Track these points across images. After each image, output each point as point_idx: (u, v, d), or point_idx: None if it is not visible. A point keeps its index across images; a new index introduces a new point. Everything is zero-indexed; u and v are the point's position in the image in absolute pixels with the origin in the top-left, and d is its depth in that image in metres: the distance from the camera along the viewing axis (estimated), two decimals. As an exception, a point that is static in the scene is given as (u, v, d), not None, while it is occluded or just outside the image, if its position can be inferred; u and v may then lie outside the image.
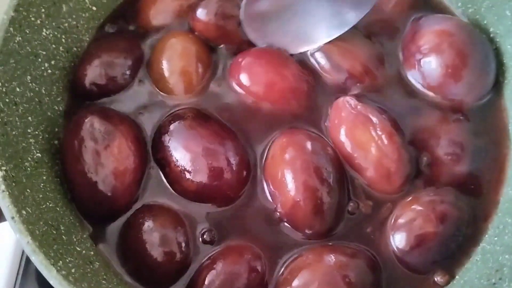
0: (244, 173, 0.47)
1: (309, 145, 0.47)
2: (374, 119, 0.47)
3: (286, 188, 0.45)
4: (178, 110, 0.50)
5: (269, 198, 0.47)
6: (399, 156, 0.46)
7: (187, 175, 0.46)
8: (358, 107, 0.47)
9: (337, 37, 0.51)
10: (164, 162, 0.47)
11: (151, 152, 0.49)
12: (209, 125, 0.48)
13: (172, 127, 0.47)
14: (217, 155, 0.46)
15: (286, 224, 0.46)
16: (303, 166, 0.45)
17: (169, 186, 0.48)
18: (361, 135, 0.47)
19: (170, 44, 0.52)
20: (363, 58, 0.51)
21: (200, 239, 0.46)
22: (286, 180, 0.45)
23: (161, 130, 0.48)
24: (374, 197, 0.47)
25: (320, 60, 0.52)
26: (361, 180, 0.47)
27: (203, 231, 0.46)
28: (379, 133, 0.46)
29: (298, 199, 0.44)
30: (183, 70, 0.51)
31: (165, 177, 0.48)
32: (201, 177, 0.46)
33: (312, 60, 0.52)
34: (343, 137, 0.48)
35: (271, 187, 0.47)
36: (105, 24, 0.56)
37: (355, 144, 0.47)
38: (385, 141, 0.46)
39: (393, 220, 0.46)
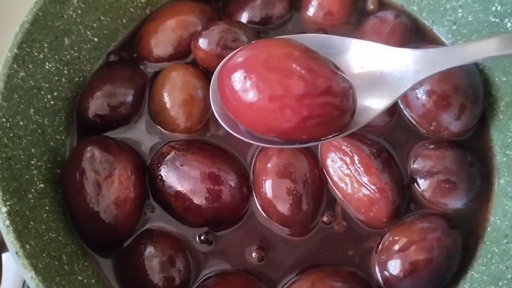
0: (245, 190, 0.49)
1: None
2: (354, 155, 0.48)
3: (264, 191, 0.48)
4: (161, 148, 0.50)
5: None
6: (381, 195, 0.47)
7: (191, 211, 0.47)
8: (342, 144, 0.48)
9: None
10: (166, 204, 0.48)
11: (150, 193, 0.50)
12: (196, 154, 0.48)
13: (160, 168, 0.48)
14: (213, 184, 0.46)
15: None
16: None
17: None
18: (341, 168, 0.48)
19: (171, 77, 0.52)
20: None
21: (197, 239, 0.48)
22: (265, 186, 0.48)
23: (151, 173, 0.49)
24: (360, 226, 0.49)
25: None
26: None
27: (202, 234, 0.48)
28: (358, 167, 0.47)
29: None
30: (184, 102, 0.51)
31: (170, 215, 0.49)
32: (205, 209, 0.47)
33: None
34: (328, 161, 0.49)
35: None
36: (107, 55, 0.57)
37: (338, 176, 0.49)
38: (364, 179, 0.47)
39: (381, 247, 0.47)
